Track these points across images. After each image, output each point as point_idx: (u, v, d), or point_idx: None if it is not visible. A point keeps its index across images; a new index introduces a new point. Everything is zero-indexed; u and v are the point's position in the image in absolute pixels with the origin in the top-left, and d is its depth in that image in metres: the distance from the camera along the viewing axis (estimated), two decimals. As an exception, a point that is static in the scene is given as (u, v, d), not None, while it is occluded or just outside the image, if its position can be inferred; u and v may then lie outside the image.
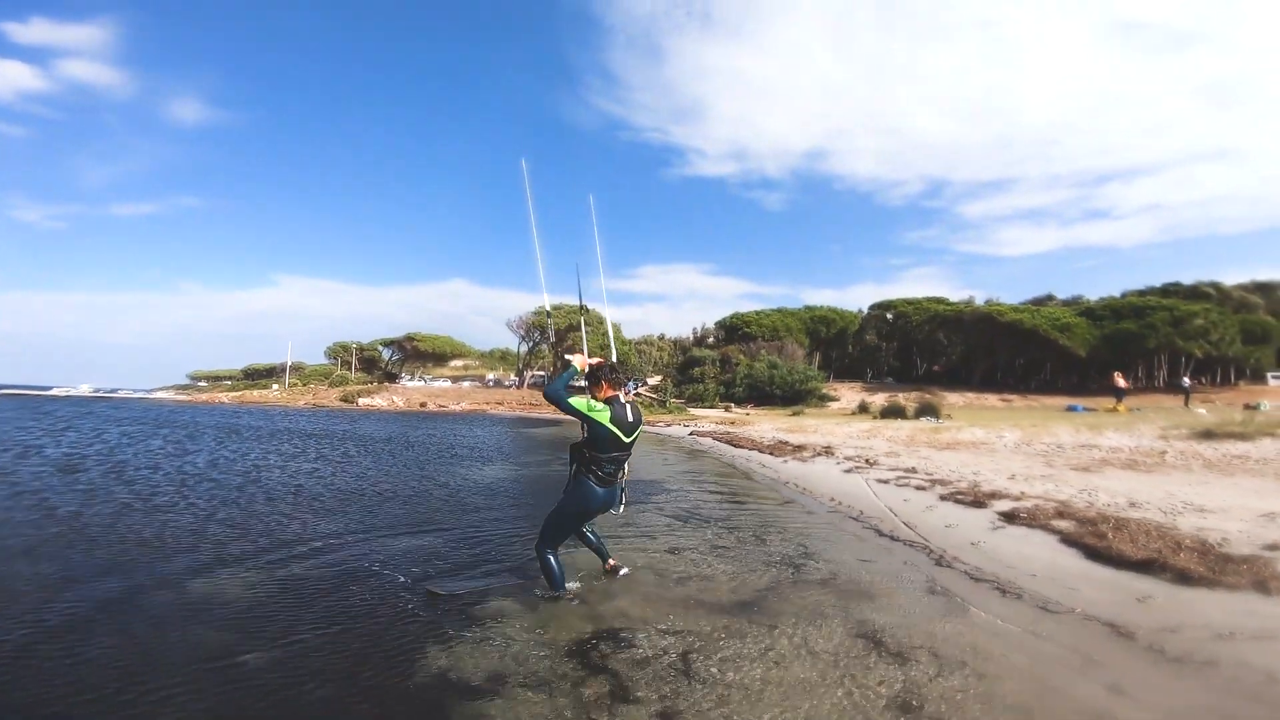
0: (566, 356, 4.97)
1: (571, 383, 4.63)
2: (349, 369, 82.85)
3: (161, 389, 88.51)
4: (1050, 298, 61.53)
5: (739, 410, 41.93)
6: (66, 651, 3.77)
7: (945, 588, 5.00)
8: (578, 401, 4.48)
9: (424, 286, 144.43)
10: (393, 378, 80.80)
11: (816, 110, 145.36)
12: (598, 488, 4.61)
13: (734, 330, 60.87)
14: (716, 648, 3.83)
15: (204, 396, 77.33)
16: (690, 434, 24.52)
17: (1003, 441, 14.42)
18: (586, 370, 4.84)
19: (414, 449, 18.54)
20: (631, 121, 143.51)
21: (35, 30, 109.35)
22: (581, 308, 6.48)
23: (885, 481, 9.49)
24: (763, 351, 49.96)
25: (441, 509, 8.66)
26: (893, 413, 28.92)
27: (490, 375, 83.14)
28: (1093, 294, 60.90)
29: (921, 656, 3.67)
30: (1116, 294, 58.52)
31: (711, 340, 65.34)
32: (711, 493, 10.37)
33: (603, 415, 4.50)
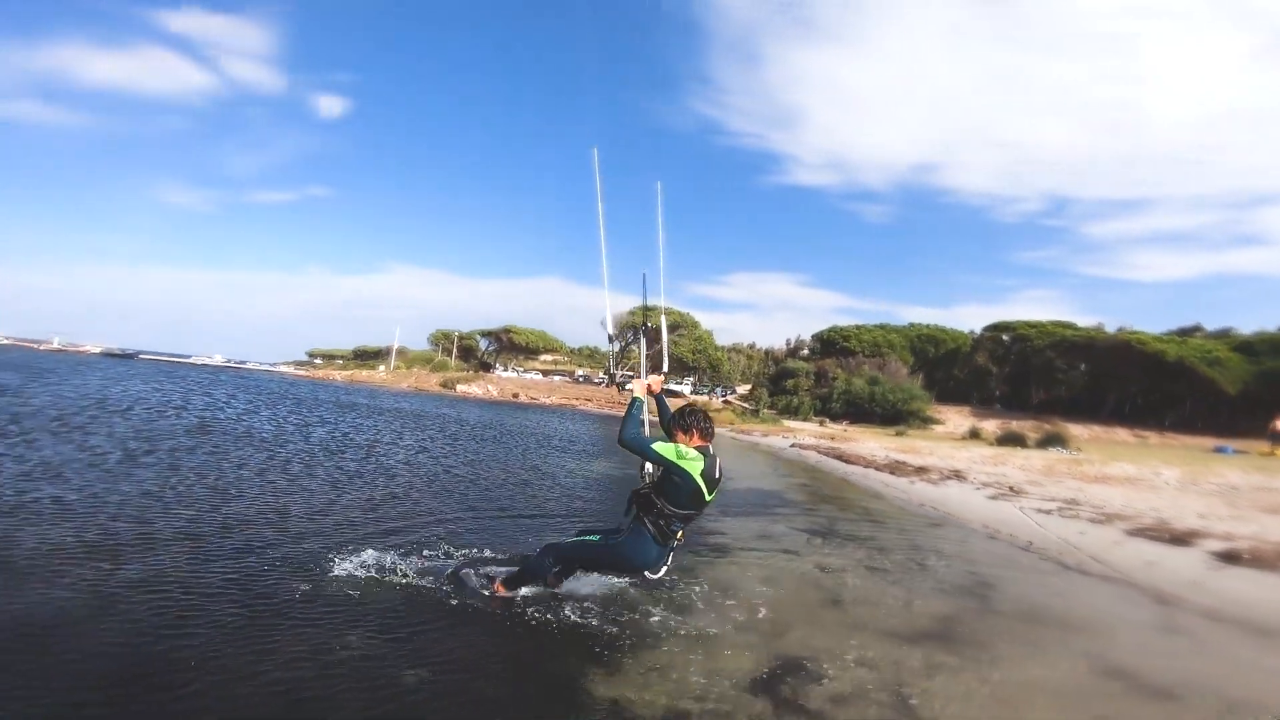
0: (626, 385, 4.25)
1: (638, 416, 3.92)
2: (449, 356, 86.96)
3: (284, 363, 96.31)
4: (1198, 328, 55.11)
5: (835, 425, 40.28)
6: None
7: (1186, 628, 4.29)
8: (665, 448, 3.73)
9: (520, 281, 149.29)
10: (488, 367, 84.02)
11: (925, 121, 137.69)
12: (654, 545, 3.86)
13: (831, 344, 58.74)
14: (929, 683, 3.37)
15: (319, 373, 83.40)
16: (792, 446, 23.66)
17: (1162, 478, 12.84)
18: (658, 390, 4.41)
19: (515, 437, 18.91)
20: (727, 126, 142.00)
21: (194, 21, 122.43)
22: (644, 313, 5.31)
23: (1046, 512, 8.54)
24: (863, 367, 47.79)
25: (551, 499, 8.58)
26: (1012, 440, 26.73)
27: (579, 371, 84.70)
28: (1244, 326, 53.85)
29: (1205, 700, 3.04)
30: (1271, 328, 51.52)
31: (805, 352, 63.45)
32: (840, 509, 9.75)
33: (694, 466, 3.71)
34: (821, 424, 41.38)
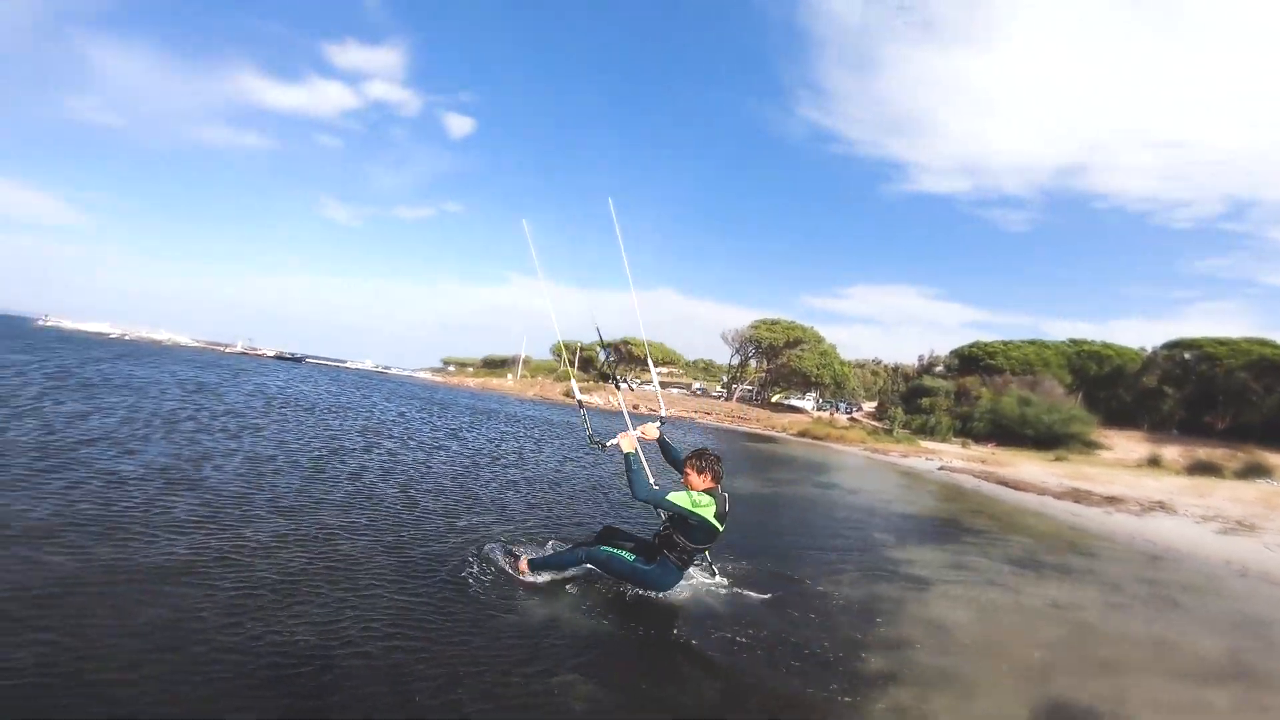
0: (610, 443, 4.44)
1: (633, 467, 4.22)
2: (571, 366, 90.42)
3: (422, 369, 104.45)
4: None
5: (979, 447, 37.30)
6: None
7: None
8: (678, 498, 4.08)
9: (634, 292, 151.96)
10: (606, 378, 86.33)
11: (1067, 121, 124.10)
12: (676, 573, 4.23)
13: (972, 360, 54.59)
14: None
15: (454, 380, 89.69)
16: (940, 469, 22.24)
17: None
18: (654, 438, 4.66)
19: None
20: (843, 134, 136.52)
21: (348, 53, 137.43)
22: (602, 353, 5.34)
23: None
24: (1011, 386, 43.93)
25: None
26: (1205, 470, 23.49)
27: (696, 384, 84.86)
28: None
29: None
30: None
31: (941, 369, 59.37)
32: (1035, 539, 9.05)
33: (708, 511, 4.08)
34: (964, 445, 38.54)
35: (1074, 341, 52.77)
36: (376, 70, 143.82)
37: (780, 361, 63.81)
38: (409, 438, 11.77)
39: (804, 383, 64.47)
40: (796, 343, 62.59)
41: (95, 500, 4.67)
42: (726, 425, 57.54)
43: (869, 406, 64.74)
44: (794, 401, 66.06)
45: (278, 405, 14.19)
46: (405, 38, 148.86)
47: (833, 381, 61.61)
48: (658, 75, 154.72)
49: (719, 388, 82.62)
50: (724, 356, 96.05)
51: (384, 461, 8.53)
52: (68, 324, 72.62)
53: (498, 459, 10.67)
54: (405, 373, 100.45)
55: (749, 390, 70.44)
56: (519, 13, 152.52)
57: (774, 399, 68.31)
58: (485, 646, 3.19)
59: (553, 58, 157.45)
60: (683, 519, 4.10)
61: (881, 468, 22.80)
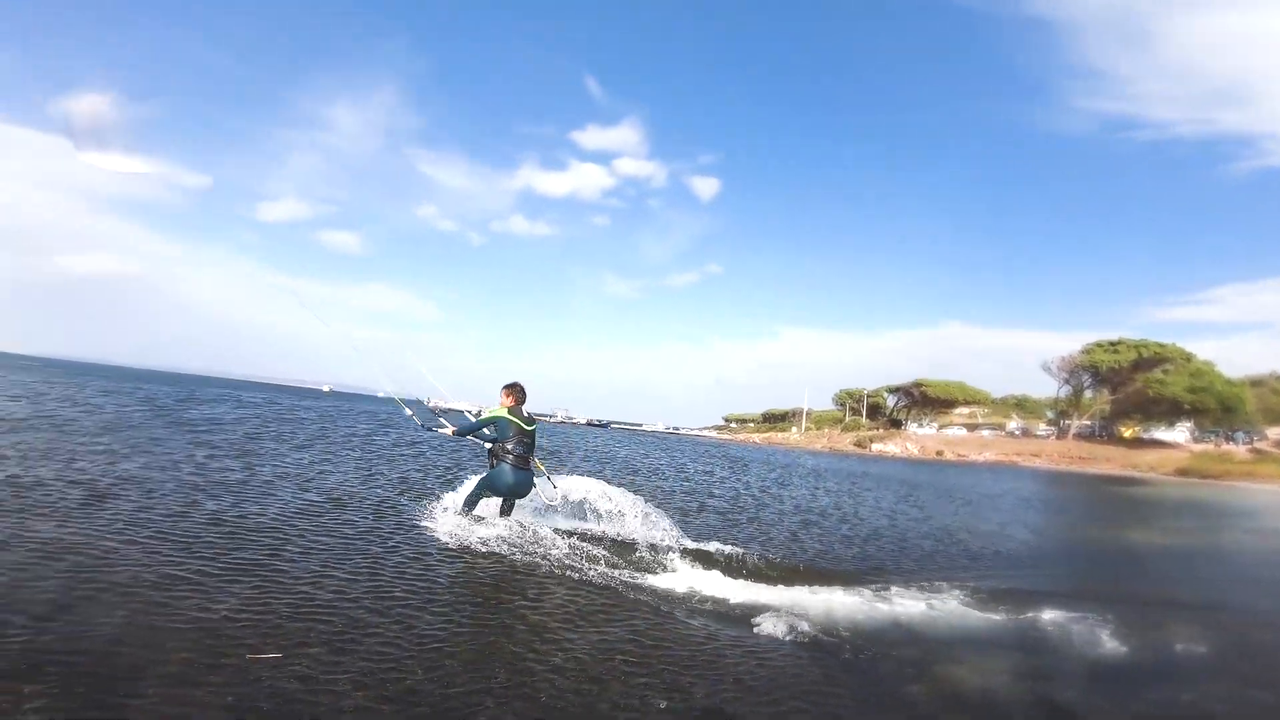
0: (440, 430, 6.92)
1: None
2: (857, 415, 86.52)
3: (707, 428, 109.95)
4: None
5: None
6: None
7: None
8: (485, 412, 6.59)
9: (916, 332, 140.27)
10: (897, 424, 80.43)
11: None
12: (511, 470, 6.10)
13: None
14: None
15: (740, 436, 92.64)
16: None
17: None
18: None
19: (981, 503, 17.66)
20: (1145, 118, 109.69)
21: (593, 137, 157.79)
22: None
23: None
24: None
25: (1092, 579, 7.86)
26: None
27: (1011, 423, 73.91)
28: None
29: None
30: None
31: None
32: None
33: (503, 412, 6.24)
34: None
35: None
36: (620, 148, 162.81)
37: (1130, 388, 52.35)
38: (780, 490, 13.18)
39: (1170, 410, 51.77)
40: (1152, 363, 50.98)
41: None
42: (1064, 468, 48.83)
43: (1277, 433, 49.00)
44: (1158, 434, 53.06)
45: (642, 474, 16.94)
46: (635, 114, 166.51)
47: (1218, 406, 48.22)
48: (887, 100, 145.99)
49: (1043, 425, 70.66)
50: (1041, 389, 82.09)
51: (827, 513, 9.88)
52: (439, 403, 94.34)
53: (857, 515, 11.30)
54: (693, 432, 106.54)
55: (1087, 426, 58.80)
56: (734, 70, 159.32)
57: (1126, 433, 55.85)
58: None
59: (778, 108, 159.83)
60: (494, 423, 6.16)
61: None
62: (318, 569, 4.57)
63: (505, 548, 5.58)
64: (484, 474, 6.29)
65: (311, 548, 5.06)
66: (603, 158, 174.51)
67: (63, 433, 9.30)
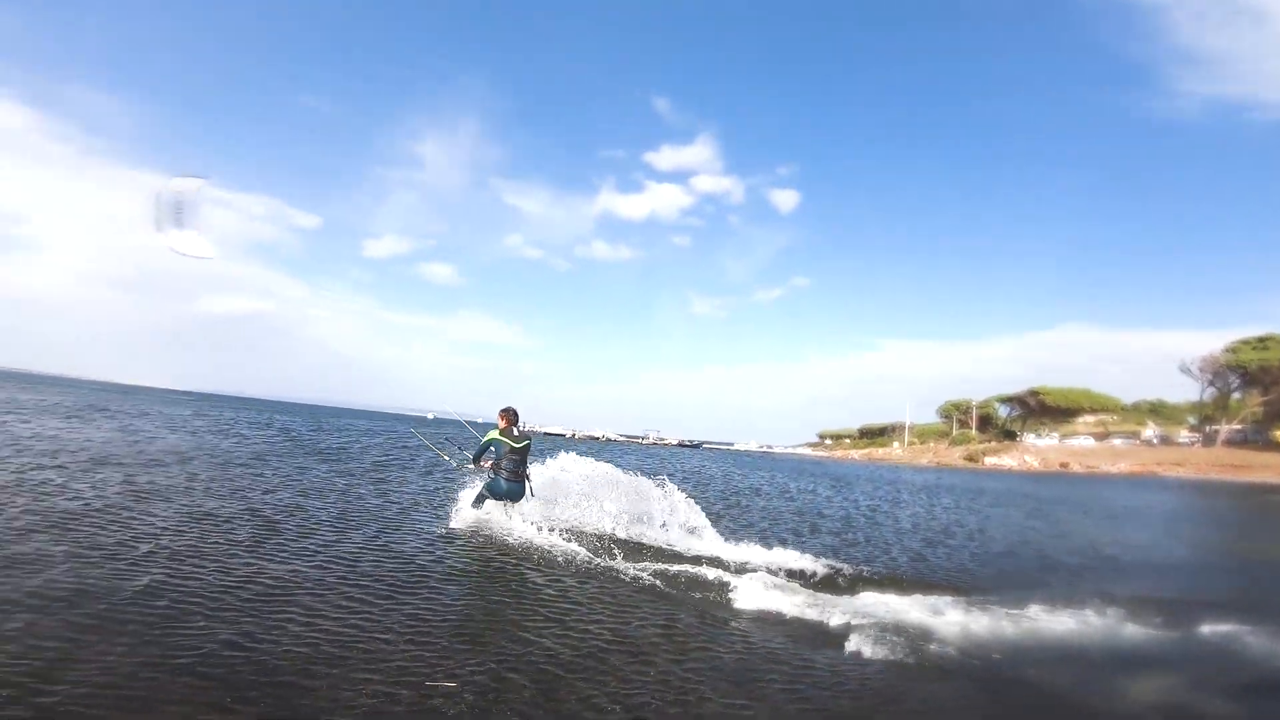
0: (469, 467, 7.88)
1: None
2: (964, 427, 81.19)
3: (801, 445, 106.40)
4: None
5: None
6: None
7: None
8: (487, 435, 7.35)
9: (1030, 335, 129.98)
10: (1011, 435, 74.70)
11: None
12: (505, 482, 7.11)
13: None
14: None
15: (838, 453, 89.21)
16: None
17: None
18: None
19: (1125, 516, 15.95)
20: (1259, 98, 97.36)
21: (667, 157, 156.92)
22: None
23: None
24: None
25: None
26: None
27: (1148, 430, 66.83)
28: None
29: None
30: None
31: None
32: None
33: (495, 434, 7.17)
34: None
35: None
36: (695, 165, 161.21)
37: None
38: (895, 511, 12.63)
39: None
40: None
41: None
42: (1214, 477, 43.46)
43: None
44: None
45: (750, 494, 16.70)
46: (707, 131, 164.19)
47: None
48: (975, 92, 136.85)
49: (1184, 432, 63.35)
50: (1177, 393, 73.58)
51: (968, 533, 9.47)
52: (537, 428, 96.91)
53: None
54: (787, 450, 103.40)
55: (1238, 431, 52.05)
56: (803, 77, 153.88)
57: (1288, 439, 49.03)
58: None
59: (853, 110, 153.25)
60: (492, 445, 7.11)
61: None
62: (471, 591, 4.85)
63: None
64: (488, 481, 7.34)
65: (452, 573, 5.38)
66: (679, 176, 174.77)
67: (224, 465, 10.40)
